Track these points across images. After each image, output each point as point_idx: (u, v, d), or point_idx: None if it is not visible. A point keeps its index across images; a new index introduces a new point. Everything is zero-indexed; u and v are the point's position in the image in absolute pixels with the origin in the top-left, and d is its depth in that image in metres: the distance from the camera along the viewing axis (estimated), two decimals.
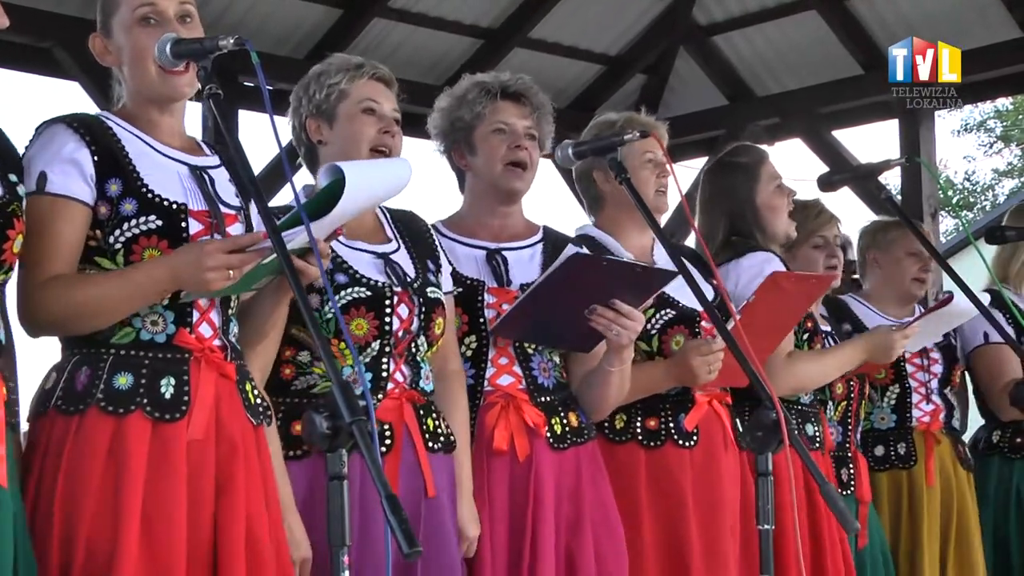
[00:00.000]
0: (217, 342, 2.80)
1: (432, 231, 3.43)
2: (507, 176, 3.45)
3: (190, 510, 2.67)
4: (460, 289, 3.37)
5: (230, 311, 2.86)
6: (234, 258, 2.63)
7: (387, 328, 3.11)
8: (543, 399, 3.40)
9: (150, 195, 2.75)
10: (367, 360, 3.09)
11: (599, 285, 3.29)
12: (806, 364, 4.09)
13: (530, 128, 3.47)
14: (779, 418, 2.79)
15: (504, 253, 3.48)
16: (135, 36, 2.82)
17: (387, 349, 3.12)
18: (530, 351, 3.42)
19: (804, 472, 3.72)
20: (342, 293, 3.08)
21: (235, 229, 2.84)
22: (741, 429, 3.76)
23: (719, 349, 3.54)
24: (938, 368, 4.77)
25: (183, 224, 2.76)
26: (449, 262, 3.40)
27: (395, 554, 3.00)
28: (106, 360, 2.71)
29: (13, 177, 2.63)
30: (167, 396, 2.70)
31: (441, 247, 3.40)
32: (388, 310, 3.12)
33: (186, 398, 2.71)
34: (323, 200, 2.59)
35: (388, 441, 3.08)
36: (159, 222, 2.74)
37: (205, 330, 2.79)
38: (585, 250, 3.22)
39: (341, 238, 3.10)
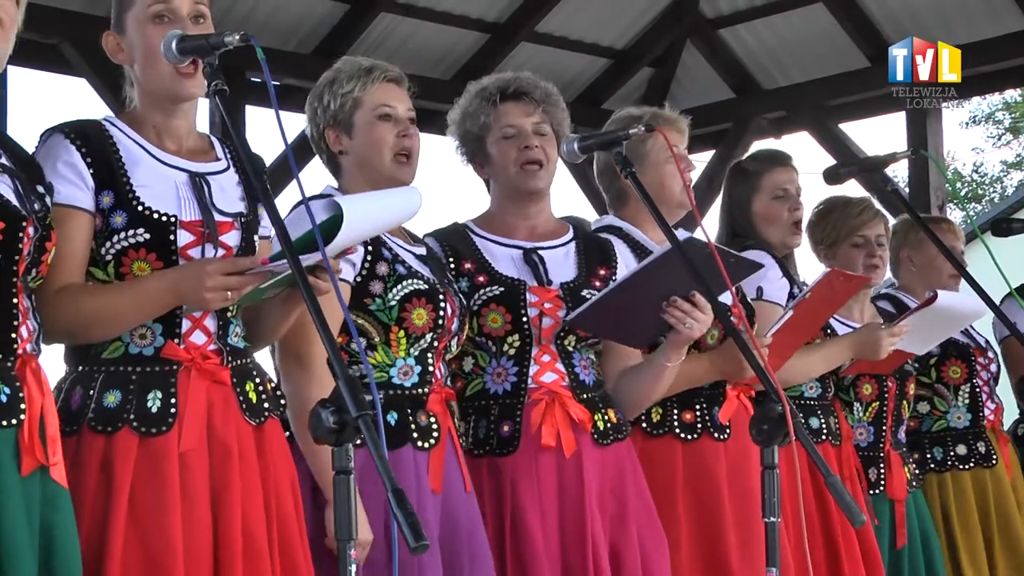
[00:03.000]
0: (213, 347, 2.82)
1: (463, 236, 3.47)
2: (523, 177, 3.45)
3: (186, 518, 2.68)
4: (502, 289, 3.38)
5: (229, 314, 2.87)
6: (232, 280, 2.66)
7: (440, 322, 3.16)
8: (585, 396, 3.42)
9: (140, 207, 2.77)
10: (417, 353, 3.14)
11: (682, 276, 3.29)
12: (791, 359, 4.10)
13: (538, 124, 3.47)
14: (785, 412, 2.79)
15: (540, 252, 3.49)
16: (148, 33, 2.83)
17: (435, 344, 3.17)
18: (570, 348, 3.43)
19: (815, 468, 3.74)
20: (405, 283, 3.14)
21: (230, 237, 2.85)
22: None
23: (767, 343, 3.57)
24: (995, 367, 4.82)
25: (171, 236, 2.77)
26: (487, 261, 3.42)
27: (447, 550, 3.07)
28: (97, 379, 2.75)
29: (40, 188, 2.67)
30: (153, 410, 2.73)
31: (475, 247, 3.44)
32: (442, 304, 3.16)
33: (173, 410, 2.73)
34: (324, 229, 2.60)
35: (436, 434, 3.13)
36: (147, 235, 2.76)
37: (198, 338, 2.81)
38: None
39: (386, 235, 3.17)
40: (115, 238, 2.76)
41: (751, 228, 4.24)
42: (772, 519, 2.87)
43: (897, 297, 4.83)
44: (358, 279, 3.11)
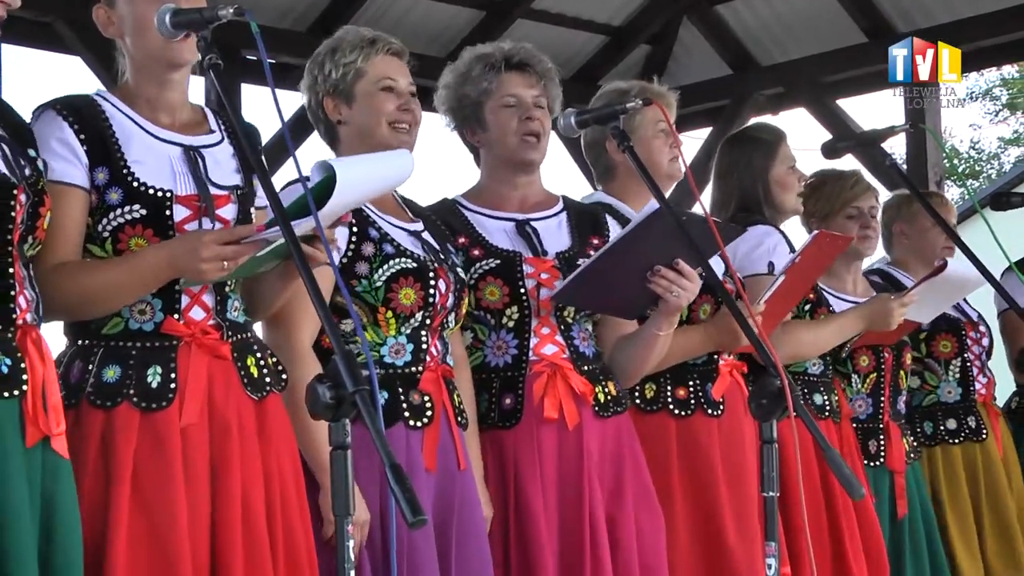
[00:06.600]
0: (212, 322, 2.81)
1: (455, 210, 3.45)
2: (523, 148, 3.45)
3: (188, 493, 2.69)
4: (498, 261, 3.38)
5: (227, 288, 2.86)
6: (228, 250, 2.65)
7: (431, 300, 3.14)
8: (586, 368, 3.41)
9: (135, 183, 2.76)
10: (408, 331, 3.11)
11: (665, 245, 3.29)
12: (802, 332, 4.12)
13: (538, 97, 3.47)
14: (783, 385, 2.79)
15: (533, 223, 3.49)
16: (138, 5, 2.83)
17: (427, 322, 3.15)
18: (569, 320, 3.42)
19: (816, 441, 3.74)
20: (391, 262, 3.12)
21: (227, 211, 2.85)
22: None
23: (760, 311, 3.57)
24: (987, 341, 4.82)
25: (167, 212, 2.77)
26: (480, 235, 3.41)
27: (439, 529, 3.06)
28: (96, 353, 2.75)
29: (32, 152, 2.66)
30: (153, 385, 2.73)
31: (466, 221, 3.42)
32: (432, 282, 3.14)
33: (173, 385, 2.73)
34: (318, 193, 2.58)
35: (429, 413, 3.11)
36: (143, 211, 2.76)
37: (197, 313, 2.81)
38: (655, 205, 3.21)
39: (376, 213, 3.15)
40: (111, 215, 2.76)
41: (767, 196, 4.21)
42: (771, 493, 2.87)
43: (888, 272, 4.83)
44: (343, 260, 3.08)
